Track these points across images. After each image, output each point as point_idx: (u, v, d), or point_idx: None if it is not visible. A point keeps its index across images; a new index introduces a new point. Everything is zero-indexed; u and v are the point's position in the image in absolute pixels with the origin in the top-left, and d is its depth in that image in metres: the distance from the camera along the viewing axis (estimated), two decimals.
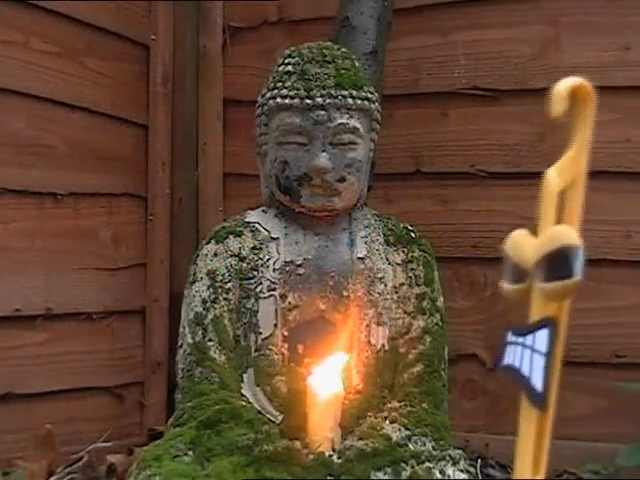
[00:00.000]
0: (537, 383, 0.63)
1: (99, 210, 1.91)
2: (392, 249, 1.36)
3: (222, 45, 2.13)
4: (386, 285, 1.33)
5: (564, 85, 0.67)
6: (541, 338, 0.64)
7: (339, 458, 1.14)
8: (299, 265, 1.31)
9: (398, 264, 1.35)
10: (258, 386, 1.27)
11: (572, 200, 0.62)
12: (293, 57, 1.34)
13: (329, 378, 1.21)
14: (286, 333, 1.29)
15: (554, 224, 0.62)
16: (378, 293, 1.32)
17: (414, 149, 1.93)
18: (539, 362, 0.63)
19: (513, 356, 0.66)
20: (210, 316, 1.29)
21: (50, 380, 1.75)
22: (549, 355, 0.63)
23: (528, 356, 0.65)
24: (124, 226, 1.98)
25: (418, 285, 1.34)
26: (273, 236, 1.34)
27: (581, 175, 0.64)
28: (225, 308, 1.30)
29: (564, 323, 0.64)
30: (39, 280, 1.73)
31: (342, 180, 1.30)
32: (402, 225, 1.40)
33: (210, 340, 1.28)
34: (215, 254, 1.33)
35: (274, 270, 1.31)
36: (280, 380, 1.26)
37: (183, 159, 2.11)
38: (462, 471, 1.14)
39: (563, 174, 0.64)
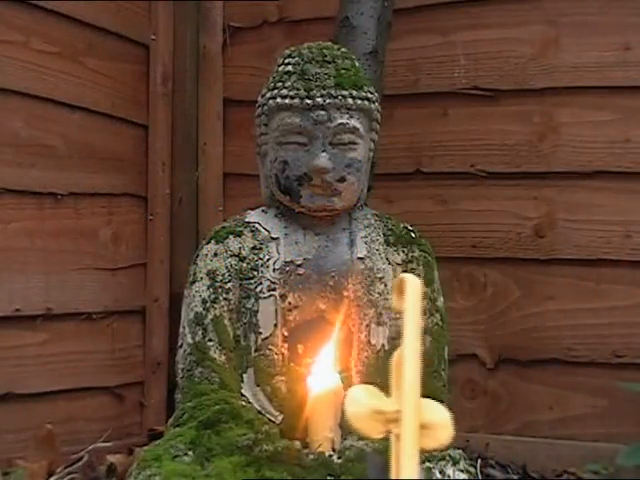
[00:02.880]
0: None
1: (99, 210, 1.91)
2: (392, 249, 1.36)
3: (222, 45, 2.13)
4: (386, 285, 1.33)
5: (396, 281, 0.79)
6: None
7: (339, 458, 1.14)
8: (299, 265, 1.31)
9: (398, 264, 1.35)
10: (258, 386, 1.27)
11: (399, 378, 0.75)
12: (293, 57, 1.34)
13: (328, 378, 1.21)
14: (286, 333, 1.29)
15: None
16: (378, 293, 1.32)
17: (414, 149, 1.93)
18: None
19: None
20: (210, 316, 1.29)
21: (50, 380, 1.75)
22: None
23: None
24: (124, 226, 1.98)
25: None
26: (273, 236, 1.34)
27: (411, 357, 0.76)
28: (225, 308, 1.30)
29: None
30: (39, 280, 1.73)
31: (342, 180, 1.30)
32: (402, 225, 1.40)
33: (210, 340, 1.28)
34: (215, 254, 1.33)
35: (274, 270, 1.31)
36: (280, 380, 1.26)
37: (183, 159, 2.11)
38: (462, 471, 1.14)
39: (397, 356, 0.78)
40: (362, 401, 0.72)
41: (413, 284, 0.76)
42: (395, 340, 1.32)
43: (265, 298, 1.30)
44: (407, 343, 0.77)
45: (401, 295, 0.77)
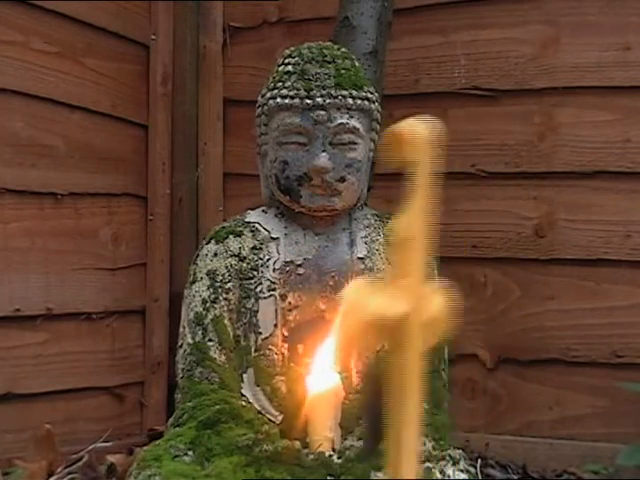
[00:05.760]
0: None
1: (99, 210, 1.91)
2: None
3: (222, 45, 2.13)
4: None
5: (394, 130, 0.63)
6: None
7: (339, 458, 1.14)
8: (299, 265, 1.31)
9: None
10: (258, 386, 1.27)
11: (411, 254, 0.61)
12: (293, 57, 1.34)
13: (328, 378, 1.21)
14: (286, 333, 1.29)
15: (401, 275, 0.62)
16: None
17: None
18: None
19: None
20: (210, 316, 1.29)
21: (50, 380, 1.75)
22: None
23: None
24: (124, 226, 1.98)
25: None
26: (273, 236, 1.34)
27: (419, 230, 0.64)
28: (225, 308, 1.30)
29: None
30: (39, 280, 1.73)
31: (342, 180, 1.30)
32: None
33: (210, 340, 1.28)
34: (215, 254, 1.33)
35: (274, 270, 1.31)
36: (280, 380, 1.26)
37: (183, 159, 2.11)
38: (462, 471, 1.14)
39: (406, 227, 0.66)
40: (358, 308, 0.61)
41: (422, 133, 0.55)
42: None
43: (265, 298, 1.30)
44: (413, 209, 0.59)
45: (402, 146, 0.58)
